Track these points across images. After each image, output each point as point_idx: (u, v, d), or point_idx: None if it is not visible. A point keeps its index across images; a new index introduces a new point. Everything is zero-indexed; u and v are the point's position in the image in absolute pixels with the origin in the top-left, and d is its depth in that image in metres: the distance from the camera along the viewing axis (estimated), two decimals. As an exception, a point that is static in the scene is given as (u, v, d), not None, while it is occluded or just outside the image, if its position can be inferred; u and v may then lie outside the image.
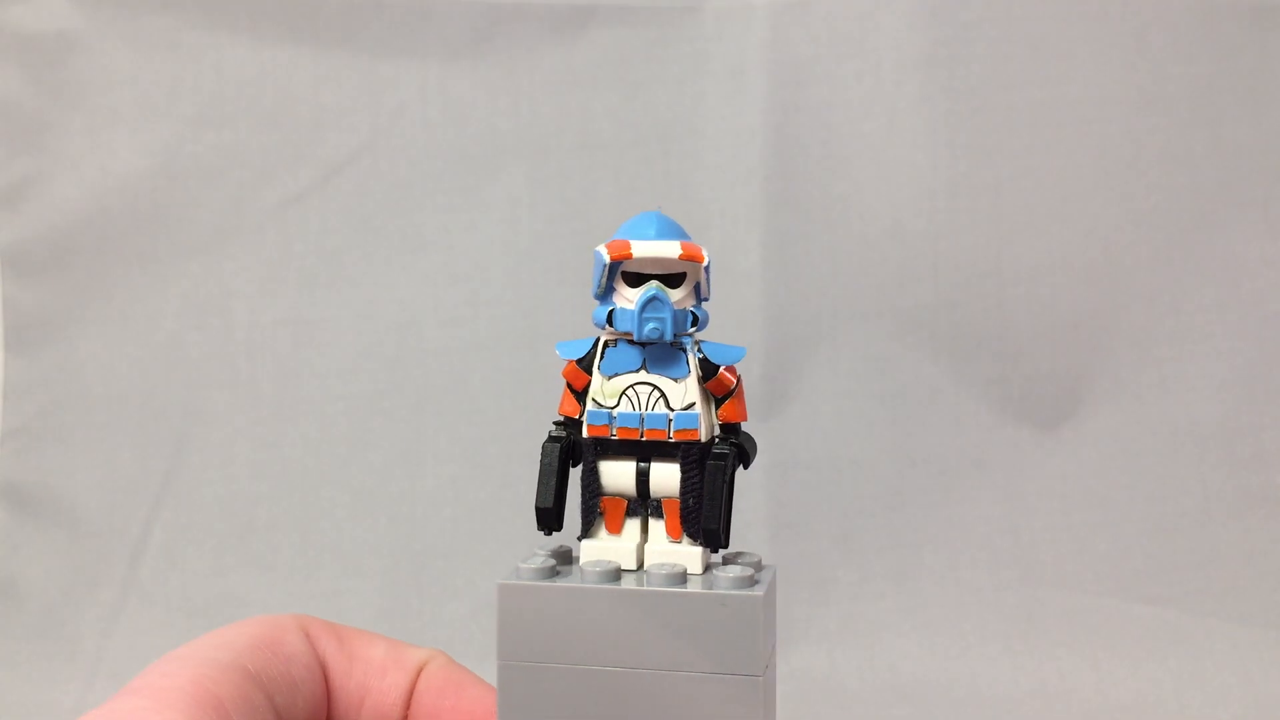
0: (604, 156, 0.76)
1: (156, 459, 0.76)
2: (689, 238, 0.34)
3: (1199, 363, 0.76)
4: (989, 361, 0.76)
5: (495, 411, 0.76)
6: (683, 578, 0.33)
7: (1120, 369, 0.76)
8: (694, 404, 0.34)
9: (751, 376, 0.76)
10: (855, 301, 0.76)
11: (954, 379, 0.76)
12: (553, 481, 0.35)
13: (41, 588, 0.75)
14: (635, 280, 0.34)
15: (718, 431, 0.35)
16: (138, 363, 0.76)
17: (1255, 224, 0.75)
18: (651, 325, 0.34)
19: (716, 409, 0.35)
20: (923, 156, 0.75)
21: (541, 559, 0.34)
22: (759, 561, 0.35)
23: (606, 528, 0.35)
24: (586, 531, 0.35)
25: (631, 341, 0.34)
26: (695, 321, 0.34)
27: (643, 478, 0.34)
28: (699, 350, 0.34)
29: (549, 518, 0.35)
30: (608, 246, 0.34)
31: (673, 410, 0.34)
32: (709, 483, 0.34)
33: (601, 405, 0.35)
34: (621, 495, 0.35)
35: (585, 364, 0.35)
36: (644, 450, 0.34)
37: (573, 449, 0.35)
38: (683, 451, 0.34)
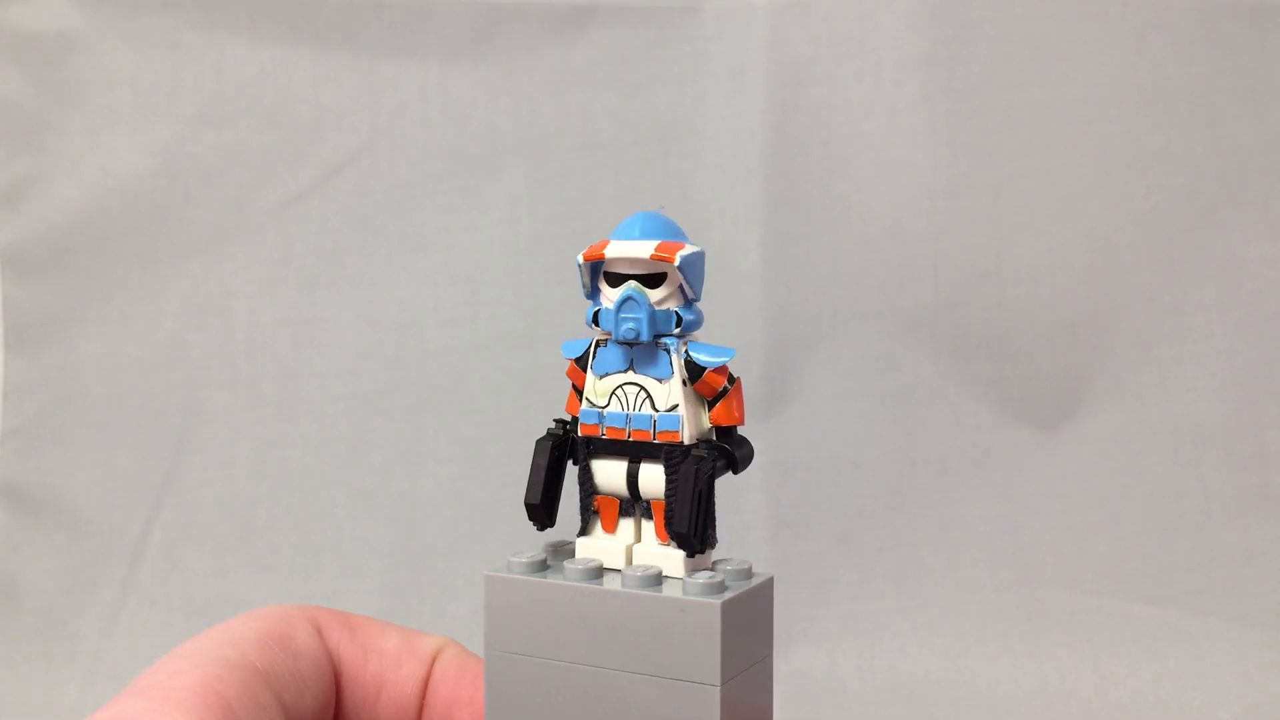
0: (604, 156, 0.76)
1: (157, 459, 0.76)
2: (681, 238, 0.34)
3: (1199, 363, 0.76)
4: (989, 361, 0.76)
5: (495, 411, 0.76)
6: (656, 580, 0.32)
7: (1120, 369, 0.76)
8: (677, 405, 0.34)
9: (751, 376, 0.76)
10: (855, 301, 0.76)
11: (954, 379, 0.76)
12: (540, 478, 0.36)
13: (41, 588, 0.75)
14: (617, 281, 0.34)
15: (710, 434, 0.34)
16: (138, 363, 0.76)
17: (1255, 224, 0.75)
18: (627, 325, 0.34)
19: (710, 411, 0.34)
20: (923, 156, 0.75)
21: (531, 554, 0.35)
22: (748, 569, 0.34)
23: (602, 526, 0.35)
24: (583, 529, 0.36)
25: (619, 342, 0.34)
26: (680, 323, 0.34)
27: (632, 478, 0.34)
28: (686, 351, 0.34)
29: (537, 514, 0.36)
30: (588, 247, 0.34)
31: (657, 411, 0.34)
32: (681, 486, 0.33)
33: (594, 404, 0.35)
34: (614, 495, 0.35)
35: (583, 363, 0.35)
36: (634, 450, 0.34)
37: (573, 447, 0.35)
38: (665, 453, 0.34)
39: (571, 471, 0.36)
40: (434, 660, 0.35)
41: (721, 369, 0.34)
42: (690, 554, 0.33)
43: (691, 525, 0.33)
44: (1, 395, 0.76)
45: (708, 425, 0.34)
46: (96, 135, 0.75)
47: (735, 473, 0.34)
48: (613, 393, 0.35)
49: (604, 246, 0.34)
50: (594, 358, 0.35)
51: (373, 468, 0.76)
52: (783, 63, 0.75)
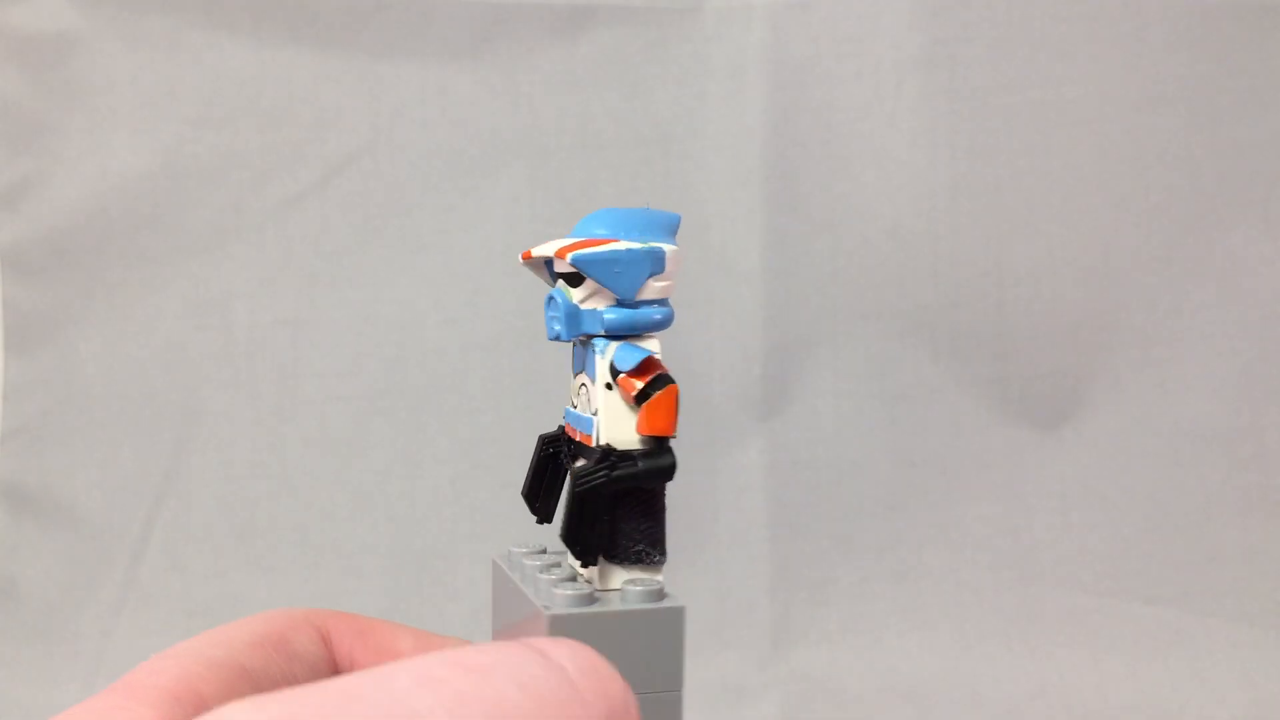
0: (604, 156, 0.76)
1: (156, 459, 0.76)
2: (638, 235, 0.33)
3: (1199, 363, 0.76)
4: (989, 362, 0.76)
5: (495, 411, 0.76)
6: (556, 582, 0.31)
7: (1120, 369, 0.76)
8: (599, 409, 0.33)
9: (751, 376, 0.76)
10: (855, 302, 0.76)
11: (954, 379, 0.76)
12: (530, 473, 0.36)
13: (41, 588, 0.75)
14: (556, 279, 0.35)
15: (638, 441, 0.32)
16: (138, 363, 0.76)
17: (1255, 224, 0.75)
18: (550, 325, 0.34)
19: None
20: (923, 156, 0.75)
21: (530, 547, 0.35)
22: (656, 591, 0.31)
23: None
24: None
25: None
26: (604, 323, 0.32)
27: None
28: (612, 353, 0.33)
29: (530, 505, 0.36)
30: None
31: (589, 412, 0.33)
32: (568, 495, 0.32)
33: (572, 403, 0.35)
34: None
35: None
36: (583, 451, 0.34)
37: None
38: (587, 457, 0.33)
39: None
40: None
41: (639, 371, 0.32)
42: (583, 564, 0.32)
43: (567, 533, 0.32)
44: (1, 395, 0.76)
45: (634, 433, 0.33)
46: (96, 135, 0.75)
47: (642, 486, 0.32)
48: (578, 392, 0.35)
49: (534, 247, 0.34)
50: (571, 357, 0.35)
51: (373, 468, 0.76)
52: (783, 63, 0.75)
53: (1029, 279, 0.76)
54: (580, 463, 0.33)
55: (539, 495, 0.36)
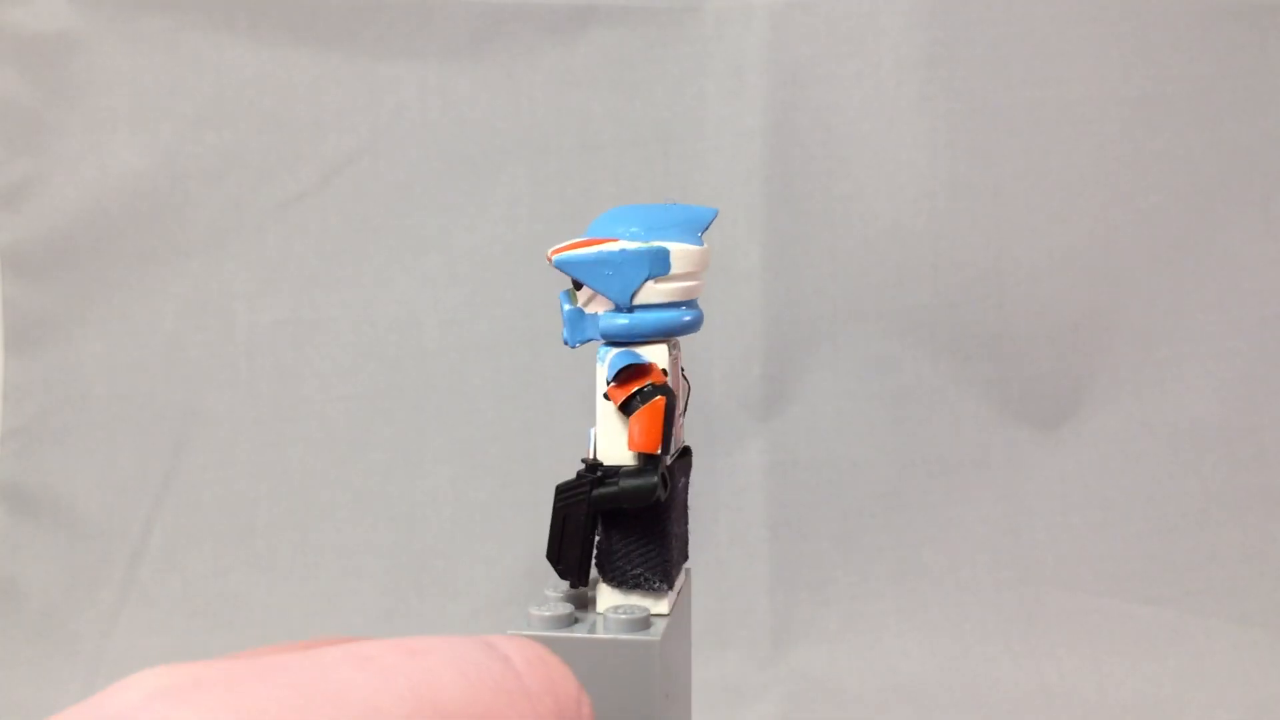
0: (604, 156, 0.76)
1: (156, 459, 0.76)
2: (628, 235, 0.31)
3: (1199, 363, 0.76)
4: (989, 362, 0.76)
5: (495, 412, 0.76)
6: (554, 604, 0.30)
7: (1120, 369, 0.76)
8: (598, 420, 0.31)
9: (752, 377, 0.76)
10: (855, 302, 0.76)
11: (954, 379, 0.76)
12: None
13: (41, 588, 0.75)
14: None
15: (630, 459, 0.31)
16: (138, 363, 0.76)
17: (1255, 224, 0.75)
18: (563, 330, 0.32)
19: None
20: (923, 157, 0.75)
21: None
22: (641, 619, 0.30)
23: None
24: None
25: None
26: (600, 329, 0.31)
27: None
28: (609, 361, 0.31)
29: None
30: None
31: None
32: (553, 514, 0.31)
33: None
34: None
35: None
36: None
37: None
38: (581, 471, 0.31)
39: None
40: None
41: (621, 380, 0.30)
42: (571, 585, 0.31)
43: (549, 550, 0.30)
44: (1, 395, 0.76)
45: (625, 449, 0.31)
46: (96, 136, 0.75)
47: (623, 507, 0.30)
48: None
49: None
50: None
51: (372, 468, 0.76)
52: (783, 63, 0.75)
53: (1029, 279, 0.76)
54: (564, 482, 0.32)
55: None
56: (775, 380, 0.76)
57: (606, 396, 0.31)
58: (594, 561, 0.31)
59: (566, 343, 0.31)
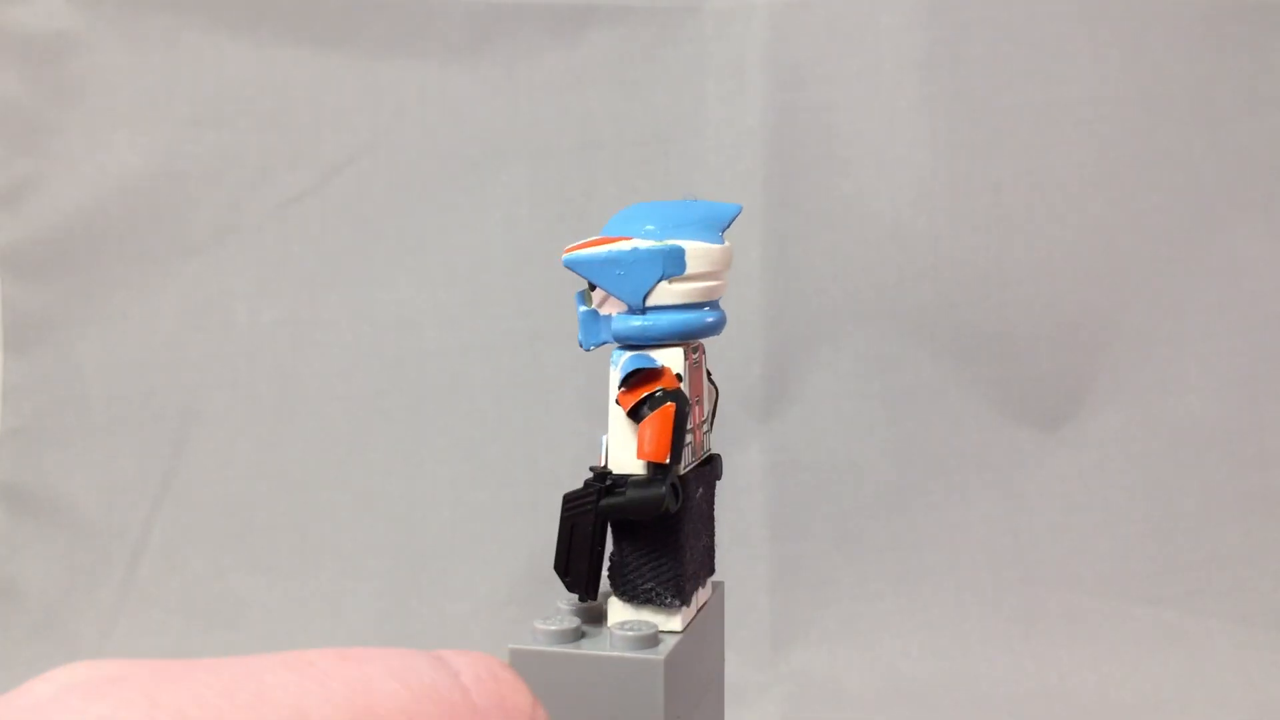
0: (604, 156, 0.76)
1: (156, 459, 0.76)
2: (643, 234, 0.30)
3: (1200, 363, 0.76)
4: (990, 362, 0.76)
5: (494, 412, 0.76)
6: (558, 618, 0.30)
7: (1121, 369, 0.76)
8: (609, 427, 0.30)
9: (751, 377, 0.76)
10: (856, 302, 0.76)
11: (954, 379, 0.76)
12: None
13: (40, 588, 0.75)
14: None
15: (641, 467, 0.29)
16: (137, 363, 0.76)
17: (1255, 224, 0.75)
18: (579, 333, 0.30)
19: None
20: (923, 156, 0.75)
21: None
22: (650, 635, 0.28)
23: None
24: None
25: None
26: (613, 331, 0.29)
27: None
28: (622, 365, 0.29)
29: None
30: None
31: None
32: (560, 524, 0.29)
33: None
34: None
35: None
36: None
37: None
38: (590, 480, 0.30)
39: None
40: None
41: (629, 385, 0.29)
42: (580, 599, 0.30)
43: (556, 562, 0.29)
44: (1, 396, 0.76)
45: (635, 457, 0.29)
46: (96, 136, 0.75)
47: (629, 518, 0.29)
48: None
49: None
50: None
51: (372, 468, 0.76)
52: (783, 63, 0.75)
53: (1029, 279, 0.76)
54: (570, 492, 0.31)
55: None
56: (775, 380, 0.76)
57: (618, 402, 0.29)
58: (605, 574, 0.30)
59: (582, 345, 0.30)
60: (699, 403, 0.31)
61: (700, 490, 0.31)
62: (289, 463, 0.76)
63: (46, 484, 0.76)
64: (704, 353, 0.32)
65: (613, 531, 0.29)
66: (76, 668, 0.18)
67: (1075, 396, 0.76)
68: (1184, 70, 0.74)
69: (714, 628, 0.32)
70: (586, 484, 0.29)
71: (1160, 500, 0.76)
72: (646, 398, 0.28)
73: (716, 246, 0.30)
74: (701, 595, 0.32)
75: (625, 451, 0.29)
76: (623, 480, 0.29)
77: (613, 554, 0.30)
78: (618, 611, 0.30)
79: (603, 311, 0.30)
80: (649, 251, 0.29)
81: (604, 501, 0.29)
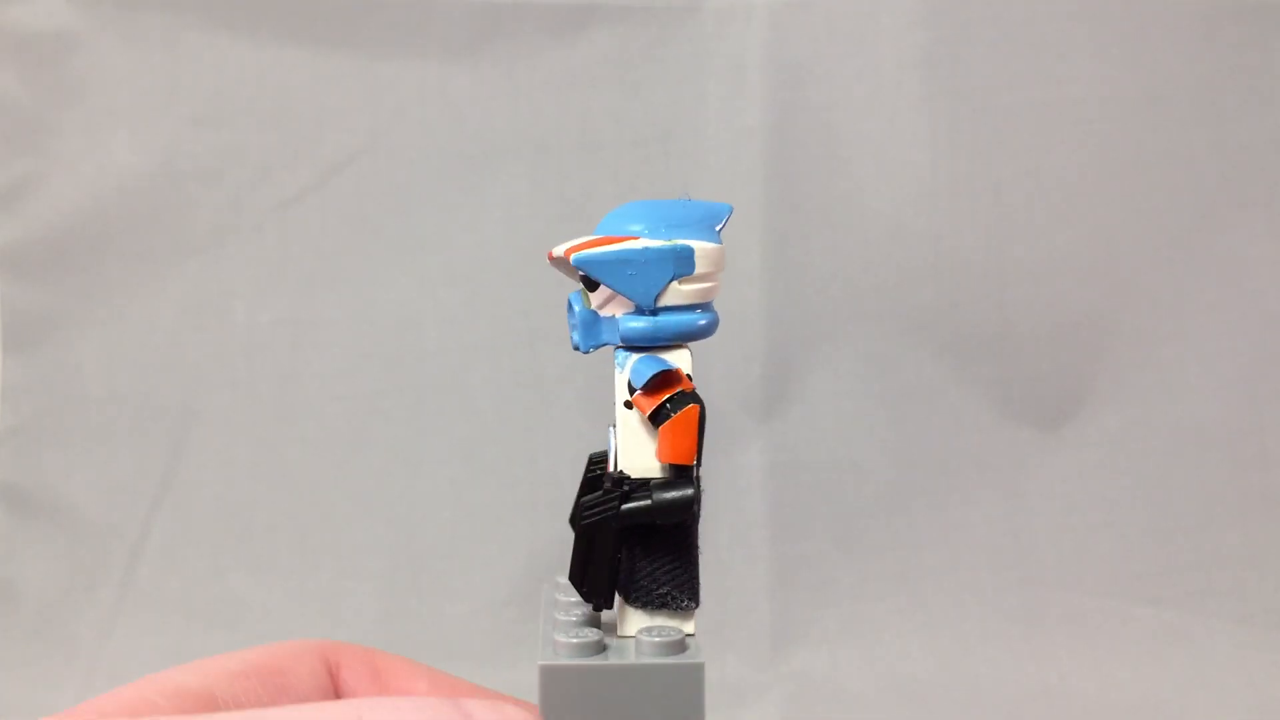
0: (604, 156, 0.76)
1: (155, 460, 0.76)
2: (650, 232, 0.29)
3: (1201, 363, 0.76)
4: (990, 362, 0.76)
5: (494, 412, 0.76)
6: (580, 623, 0.29)
7: (1122, 369, 0.76)
8: (617, 430, 0.29)
9: (751, 377, 0.75)
10: (856, 302, 0.76)
11: (955, 379, 0.76)
12: (577, 494, 0.31)
13: (39, 589, 0.75)
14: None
15: (659, 469, 0.29)
16: (136, 363, 0.76)
17: (1258, 223, 0.75)
18: (571, 334, 0.30)
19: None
20: (924, 156, 0.75)
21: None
22: (677, 642, 0.28)
23: None
24: None
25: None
26: (621, 333, 0.29)
27: None
28: (631, 367, 0.29)
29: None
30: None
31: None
32: (578, 533, 0.28)
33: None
34: None
35: None
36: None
37: None
38: (608, 485, 0.29)
39: None
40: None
41: (651, 388, 0.28)
42: (595, 608, 0.29)
43: (573, 572, 0.28)
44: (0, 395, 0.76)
45: (655, 459, 0.29)
46: (95, 135, 0.75)
47: (656, 521, 0.28)
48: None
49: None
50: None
51: (372, 468, 0.76)
52: (783, 62, 0.75)
53: (1030, 279, 0.76)
54: (585, 499, 0.30)
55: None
56: (775, 380, 0.76)
57: (628, 405, 0.29)
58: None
59: (578, 348, 0.30)
60: None
61: None
62: (289, 463, 0.76)
63: (46, 484, 0.76)
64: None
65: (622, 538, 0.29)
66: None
67: (1076, 396, 0.76)
68: (1185, 70, 0.74)
69: None
70: (605, 490, 0.28)
71: (1161, 500, 0.76)
72: (668, 400, 0.28)
73: (716, 246, 0.30)
74: None
75: (640, 454, 0.29)
76: (642, 484, 0.28)
77: (622, 561, 0.29)
78: (633, 619, 0.29)
79: (604, 313, 0.29)
80: (660, 251, 0.29)
81: (628, 506, 0.28)
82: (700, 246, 0.29)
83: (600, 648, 0.27)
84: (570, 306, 0.30)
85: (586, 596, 0.28)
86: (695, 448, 0.28)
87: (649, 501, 0.28)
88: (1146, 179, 0.75)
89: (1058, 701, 0.70)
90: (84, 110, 0.75)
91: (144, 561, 0.75)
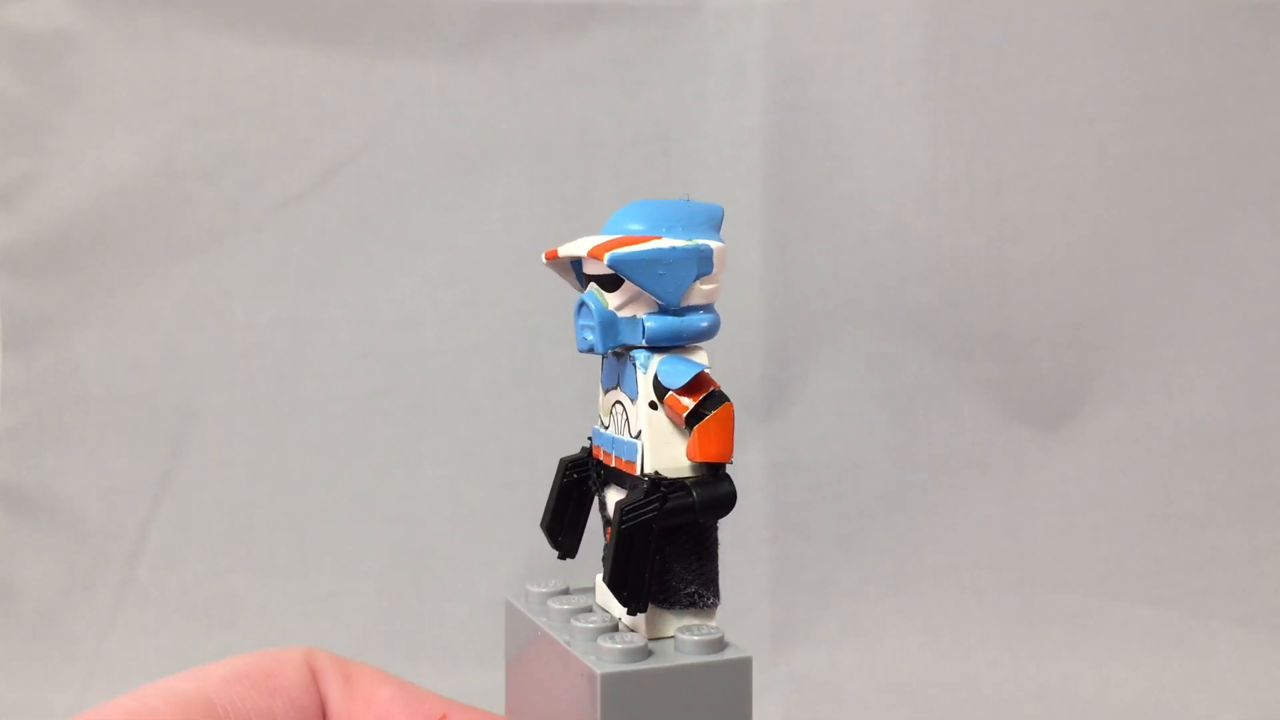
0: (604, 156, 0.75)
1: (154, 460, 0.76)
2: (683, 233, 0.29)
3: (1201, 363, 0.76)
4: (990, 362, 0.76)
5: (494, 412, 0.76)
6: (595, 634, 0.28)
7: (1123, 369, 0.76)
8: (641, 431, 0.29)
9: (752, 377, 0.75)
10: (856, 301, 0.76)
11: (955, 379, 0.76)
12: (551, 502, 0.32)
13: (38, 589, 0.75)
14: (588, 283, 0.30)
15: (687, 469, 0.29)
16: (135, 363, 0.76)
17: (1258, 223, 0.75)
18: (581, 335, 0.29)
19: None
20: (924, 155, 0.75)
21: (550, 585, 0.31)
22: (717, 640, 0.28)
23: None
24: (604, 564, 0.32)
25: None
26: (645, 333, 0.29)
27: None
28: (656, 367, 0.29)
29: (551, 540, 0.32)
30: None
31: (630, 435, 0.29)
32: (612, 533, 0.28)
33: (601, 423, 0.31)
34: None
35: None
36: (621, 479, 0.30)
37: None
38: (629, 486, 0.29)
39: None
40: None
41: (689, 389, 0.28)
42: (630, 612, 0.28)
43: (613, 577, 0.27)
44: (-1, 395, 0.76)
45: (685, 459, 0.29)
46: (94, 135, 0.75)
47: (696, 519, 0.28)
48: (610, 411, 0.31)
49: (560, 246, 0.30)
50: (601, 370, 0.31)
51: (371, 468, 0.76)
52: (783, 61, 0.75)
53: (1030, 278, 0.76)
54: (610, 493, 0.30)
55: (562, 528, 0.32)
56: (775, 380, 0.76)
57: (653, 405, 0.28)
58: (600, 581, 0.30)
59: (592, 349, 0.29)
60: None
61: None
62: (288, 463, 0.76)
63: (44, 484, 0.76)
64: None
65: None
66: None
67: (1076, 396, 0.76)
68: (1185, 70, 0.74)
69: None
70: (645, 492, 0.28)
71: (1162, 501, 0.76)
72: (706, 398, 0.28)
73: (723, 246, 0.30)
74: None
75: (670, 455, 0.29)
76: (679, 485, 0.28)
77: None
78: (667, 620, 0.29)
79: (624, 313, 0.29)
80: (686, 250, 0.29)
81: (670, 505, 0.28)
82: (717, 246, 0.29)
83: (647, 652, 0.27)
84: (584, 307, 0.29)
85: (627, 602, 0.28)
86: (731, 446, 0.28)
87: (692, 500, 0.28)
88: (1146, 179, 0.75)
89: (1058, 702, 0.70)
90: (83, 110, 0.75)
91: (143, 561, 0.75)
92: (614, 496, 0.31)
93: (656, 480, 0.28)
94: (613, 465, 0.30)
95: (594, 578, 0.31)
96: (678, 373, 0.28)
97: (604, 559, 0.29)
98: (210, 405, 0.76)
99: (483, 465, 0.76)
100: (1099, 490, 0.76)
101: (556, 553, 0.32)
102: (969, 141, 0.75)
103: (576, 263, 0.31)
